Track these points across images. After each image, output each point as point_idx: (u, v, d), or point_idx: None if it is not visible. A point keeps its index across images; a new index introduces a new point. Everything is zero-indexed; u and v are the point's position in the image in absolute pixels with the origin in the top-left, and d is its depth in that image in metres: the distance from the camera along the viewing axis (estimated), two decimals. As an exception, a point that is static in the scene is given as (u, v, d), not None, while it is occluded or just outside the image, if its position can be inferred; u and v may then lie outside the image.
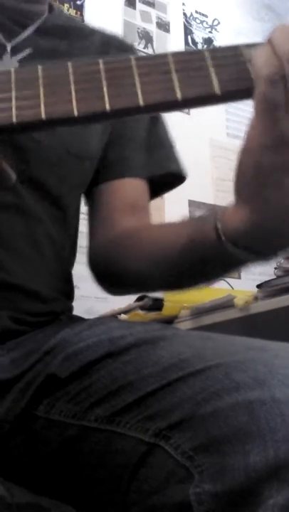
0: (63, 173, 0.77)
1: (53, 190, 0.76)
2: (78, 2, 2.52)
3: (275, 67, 0.47)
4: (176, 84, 0.50)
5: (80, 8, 2.52)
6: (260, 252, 0.58)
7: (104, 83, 0.50)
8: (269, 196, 0.53)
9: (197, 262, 0.64)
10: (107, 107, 0.49)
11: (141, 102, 0.50)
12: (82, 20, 2.51)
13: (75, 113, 0.49)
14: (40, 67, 0.52)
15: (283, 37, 0.48)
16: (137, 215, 0.81)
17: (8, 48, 0.77)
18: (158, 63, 0.51)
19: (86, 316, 0.78)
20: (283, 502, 0.44)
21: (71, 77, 0.51)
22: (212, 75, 0.50)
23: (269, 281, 1.56)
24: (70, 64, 0.51)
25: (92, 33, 0.88)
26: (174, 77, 0.50)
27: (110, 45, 0.87)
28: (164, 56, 0.51)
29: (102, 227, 0.81)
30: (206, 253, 0.61)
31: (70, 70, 0.51)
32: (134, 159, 0.83)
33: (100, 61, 0.51)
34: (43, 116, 0.49)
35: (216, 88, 0.50)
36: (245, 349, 0.56)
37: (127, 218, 0.80)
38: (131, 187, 0.83)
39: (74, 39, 0.84)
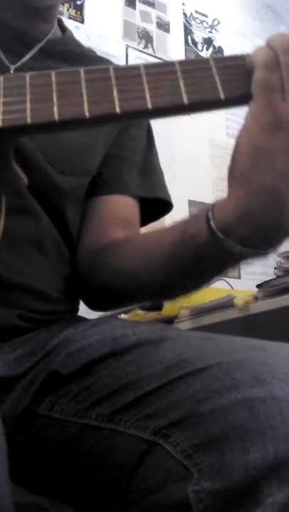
0: (64, 189, 0.77)
1: (55, 203, 0.77)
2: (78, 2, 2.52)
3: (270, 56, 0.54)
4: (183, 89, 0.53)
5: (80, 8, 2.51)
6: (253, 244, 0.56)
7: (114, 88, 0.53)
8: (262, 179, 0.53)
9: (188, 259, 0.62)
10: (117, 109, 0.52)
11: (149, 106, 0.53)
12: (82, 20, 2.51)
13: (87, 115, 0.52)
14: (53, 73, 0.54)
15: (278, 36, 0.55)
16: (128, 231, 0.81)
17: (11, 70, 0.78)
18: (166, 71, 0.54)
19: (86, 316, 0.78)
20: (283, 500, 0.44)
21: (83, 83, 0.54)
22: (217, 81, 0.54)
23: (269, 281, 1.56)
24: (82, 70, 0.55)
25: (96, 60, 0.89)
26: (181, 83, 0.54)
27: None
28: (171, 64, 0.55)
29: (92, 235, 0.81)
30: (197, 247, 0.60)
31: (82, 76, 0.54)
32: (130, 181, 0.85)
33: (111, 68, 0.55)
34: (56, 117, 0.52)
35: (221, 93, 0.53)
36: (245, 349, 0.56)
37: (118, 232, 0.80)
38: (124, 203, 0.84)
39: (76, 64, 0.84)
